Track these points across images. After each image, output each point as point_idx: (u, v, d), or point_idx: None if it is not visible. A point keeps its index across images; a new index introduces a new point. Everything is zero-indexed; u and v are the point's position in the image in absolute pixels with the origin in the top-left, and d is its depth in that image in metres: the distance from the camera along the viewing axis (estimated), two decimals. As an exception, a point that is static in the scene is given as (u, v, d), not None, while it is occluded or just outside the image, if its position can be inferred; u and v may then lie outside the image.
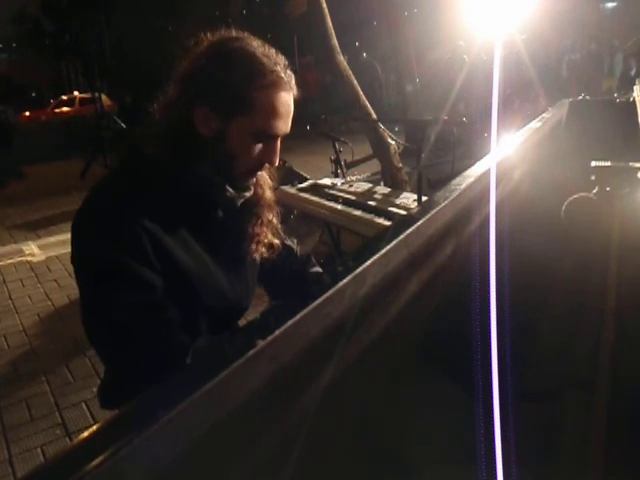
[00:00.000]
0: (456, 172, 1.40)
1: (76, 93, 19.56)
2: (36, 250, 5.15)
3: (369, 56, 12.58)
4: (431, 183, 3.08)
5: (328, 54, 4.74)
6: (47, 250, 5.00)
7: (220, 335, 1.16)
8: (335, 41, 4.71)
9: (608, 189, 1.93)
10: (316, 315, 0.60)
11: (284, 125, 1.06)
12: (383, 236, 0.81)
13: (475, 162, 1.32)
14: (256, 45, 1.04)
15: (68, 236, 1.02)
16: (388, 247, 0.76)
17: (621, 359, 1.23)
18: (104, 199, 1.03)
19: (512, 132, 1.89)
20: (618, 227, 1.79)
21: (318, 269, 1.44)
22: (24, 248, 5.26)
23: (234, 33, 1.07)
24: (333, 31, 4.70)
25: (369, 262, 0.70)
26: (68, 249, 1.01)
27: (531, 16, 6.49)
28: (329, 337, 0.63)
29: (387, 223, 2.50)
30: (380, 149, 4.74)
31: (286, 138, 1.10)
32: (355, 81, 4.77)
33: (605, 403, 1.10)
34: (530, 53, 7.21)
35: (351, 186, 3.20)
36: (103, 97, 9.83)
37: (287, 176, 4.53)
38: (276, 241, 1.25)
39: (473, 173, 1.21)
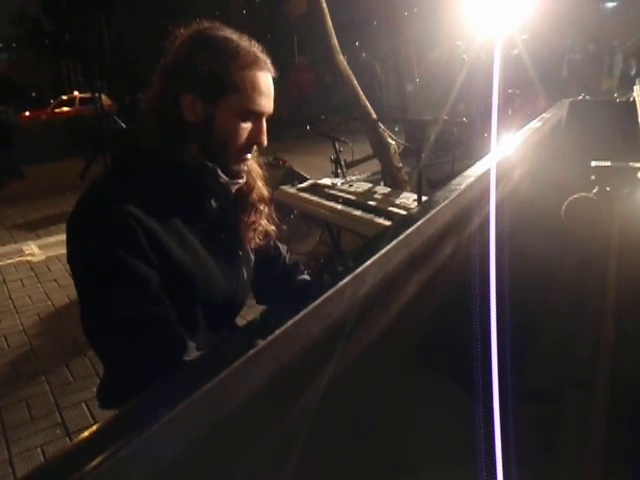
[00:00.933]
0: (456, 172, 1.40)
1: (76, 93, 19.54)
2: (36, 250, 5.15)
3: (369, 56, 12.56)
4: (431, 183, 3.09)
5: (328, 54, 4.73)
6: (47, 250, 5.00)
7: (219, 332, 1.17)
8: (335, 41, 4.71)
9: (608, 189, 1.93)
10: (316, 315, 0.60)
11: (268, 103, 1.09)
12: (383, 236, 0.81)
13: (475, 162, 1.32)
14: (230, 32, 1.09)
15: (67, 236, 1.02)
16: (388, 247, 0.76)
17: (621, 359, 1.23)
18: (97, 197, 1.04)
19: (512, 132, 1.89)
20: (618, 227, 1.79)
21: (306, 277, 1.44)
22: (24, 248, 5.26)
23: (206, 23, 1.11)
24: (333, 31, 4.70)
25: (369, 262, 0.70)
26: (67, 249, 1.01)
27: (531, 16, 6.49)
28: (329, 337, 0.63)
29: (387, 223, 2.50)
30: (380, 149, 4.74)
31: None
32: (355, 81, 4.77)
33: (605, 403, 1.10)
34: (530, 53, 7.22)
35: (351, 186, 3.20)
36: (103, 97, 9.82)
37: (287, 176, 4.53)
38: (271, 227, 1.28)
39: (473, 173, 1.21)
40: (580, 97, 3.35)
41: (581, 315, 1.46)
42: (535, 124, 2.11)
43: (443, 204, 0.98)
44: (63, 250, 1.06)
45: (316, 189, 3.25)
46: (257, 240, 1.23)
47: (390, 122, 7.14)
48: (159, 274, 1.00)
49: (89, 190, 1.06)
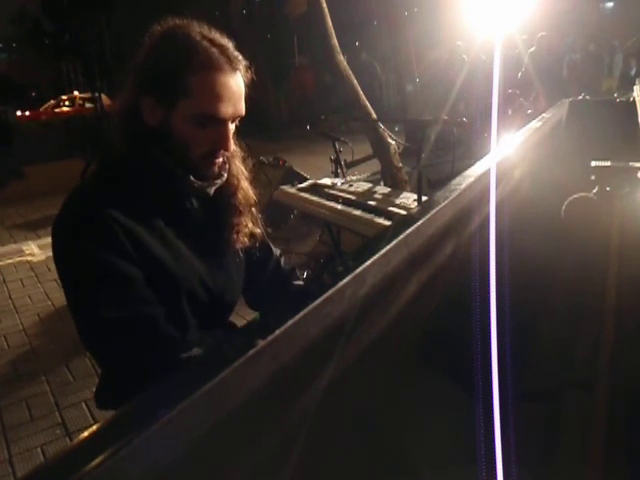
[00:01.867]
0: (456, 172, 1.40)
1: (76, 93, 19.54)
2: (36, 250, 5.15)
3: (369, 56, 12.56)
4: (431, 183, 3.08)
5: (328, 54, 4.73)
6: (47, 250, 5.00)
7: (211, 332, 1.16)
8: (335, 41, 4.71)
9: (608, 189, 1.93)
10: (316, 315, 0.60)
11: (229, 108, 1.02)
12: (383, 236, 0.81)
13: (475, 162, 1.32)
14: (198, 30, 1.04)
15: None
16: (388, 247, 0.76)
17: (621, 359, 1.23)
18: (79, 201, 1.04)
19: (512, 132, 1.89)
20: (618, 227, 1.79)
21: (300, 283, 1.43)
22: (24, 248, 5.26)
23: (179, 21, 1.06)
24: (333, 31, 4.70)
25: (369, 262, 0.70)
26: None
27: (531, 16, 6.49)
28: (329, 337, 0.63)
29: (387, 223, 2.50)
30: (380, 149, 4.74)
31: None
32: (355, 81, 4.77)
33: (605, 403, 1.10)
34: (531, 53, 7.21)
35: (351, 186, 3.19)
36: (103, 97, 9.82)
37: (287, 176, 4.53)
38: (257, 230, 1.25)
39: (473, 173, 1.21)
40: (580, 97, 3.35)
41: (581, 315, 1.46)
42: (535, 124, 2.11)
43: (443, 204, 0.98)
44: (63, 250, 1.06)
45: (316, 189, 3.25)
46: (242, 242, 1.20)
47: (390, 122, 7.14)
48: (144, 273, 1.00)
49: (72, 194, 1.06)
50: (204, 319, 1.14)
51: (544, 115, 2.39)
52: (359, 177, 4.15)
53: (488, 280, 1.03)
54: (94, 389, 1.24)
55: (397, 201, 2.80)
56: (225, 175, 1.14)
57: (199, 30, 1.04)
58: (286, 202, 3.34)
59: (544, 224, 1.82)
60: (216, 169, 1.11)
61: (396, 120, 8.18)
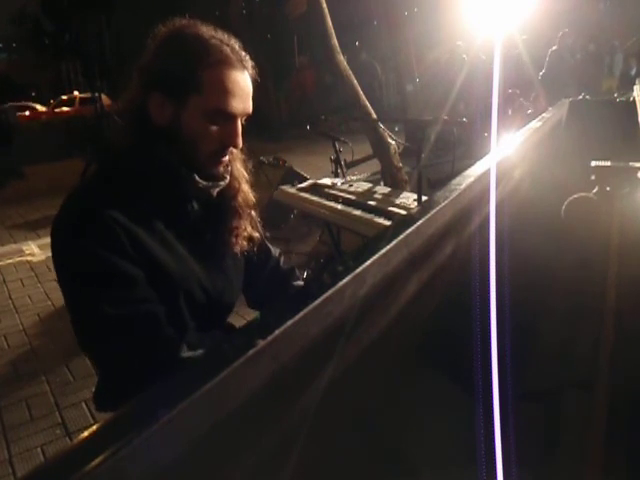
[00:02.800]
0: (456, 172, 1.39)
1: (76, 93, 19.54)
2: (36, 250, 5.15)
3: (369, 56, 12.56)
4: (431, 183, 3.08)
5: (328, 54, 4.73)
6: (47, 250, 4.98)
7: (209, 333, 1.16)
8: (335, 41, 4.71)
9: (608, 189, 1.93)
10: (316, 315, 0.60)
11: (240, 103, 1.04)
12: (383, 236, 0.81)
13: (475, 162, 1.32)
14: (205, 29, 1.05)
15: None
16: (388, 247, 0.76)
17: (621, 359, 1.23)
18: (79, 200, 1.04)
19: (512, 132, 1.89)
20: (618, 227, 1.79)
21: (300, 283, 1.43)
22: (24, 248, 5.26)
23: (184, 21, 1.07)
24: (333, 31, 4.70)
25: (369, 262, 0.70)
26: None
27: (531, 16, 6.49)
28: (329, 337, 0.63)
29: (387, 223, 2.49)
30: (380, 149, 4.74)
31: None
32: (355, 81, 4.77)
33: (605, 403, 1.10)
34: (531, 53, 7.22)
35: (351, 186, 3.19)
36: (103, 97, 9.82)
37: (287, 176, 4.53)
38: (256, 234, 1.25)
39: (473, 173, 1.21)
40: (580, 97, 3.35)
41: (581, 315, 1.46)
42: (535, 124, 2.11)
43: (443, 204, 0.98)
44: (63, 250, 1.06)
45: (316, 189, 3.25)
46: (240, 245, 1.20)
47: (390, 122, 7.14)
48: (143, 273, 1.00)
49: (72, 194, 1.05)
50: (202, 321, 1.14)
51: (544, 115, 2.39)
52: (359, 177, 4.15)
53: (488, 280, 1.03)
54: (94, 389, 1.24)
55: (397, 201, 2.80)
56: (228, 177, 1.15)
57: (206, 29, 1.05)
58: (286, 202, 3.34)
59: (544, 224, 1.82)
60: (221, 169, 1.11)
61: (396, 120, 8.18)
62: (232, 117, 1.05)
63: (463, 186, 1.09)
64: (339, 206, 2.87)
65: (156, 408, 0.43)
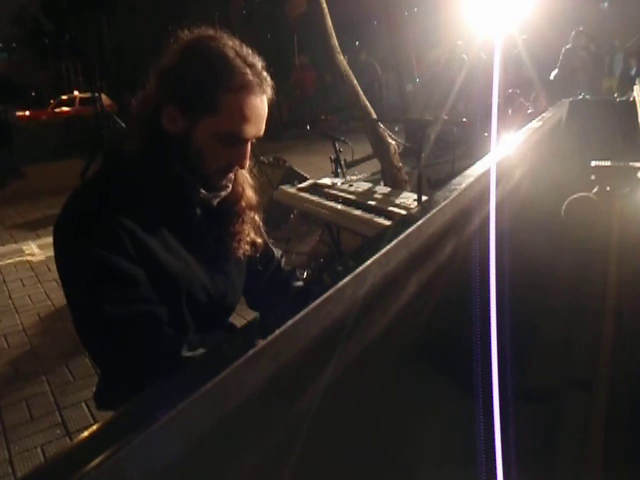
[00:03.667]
0: (456, 172, 1.40)
1: (76, 93, 19.53)
2: (36, 250, 5.15)
3: (369, 56, 12.56)
4: (431, 183, 3.08)
5: (328, 53, 4.73)
6: (47, 250, 5.00)
7: (210, 333, 1.16)
8: (335, 40, 4.71)
9: (608, 189, 1.93)
10: (316, 314, 0.60)
11: (253, 129, 1.04)
12: (383, 236, 0.81)
13: (475, 162, 1.32)
14: (231, 45, 1.02)
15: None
16: (388, 247, 0.76)
17: (621, 359, 1.23)
18: (81, 200, 1.04)
19: (512, 132, 1.89)
20: (618, 227, 1.79)
21: (300, 283, 1.43)
22: (24, 248, 5.26)
23: (211, 32, 1.05)
24: (333, 30, 4.70)
25: (369, 262, 0.70)
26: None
27: (531, 16, 6.49)
28: (329, 337, 0.63)
29: (387, 223, 2.49)
30: (380, 149, 4.74)
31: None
32: (355, 81, 4.77)
33: (604, 403, 1.10)
34: (531, 53, 7.22)
35: (351, 186, 3.19)
36: (103, 97, 9.81)
37: (287, 176, 4.53)
38: (259, 239, 1.25)
39: (473, 173, 1.21)
40: (580, 97, 3.35)
41: (581, 315, 1.46)
42: (535, 124, 2.11)
43: (443, 204, 0.98)
44: (63, 250, 1.06)
45: (316, 189, 3.25)
46: (243, 250, 1.20)
47: (390, 122, 7.14)
48: (145, 275, 1.00)
49: (74, 193, 1.05)
50: (204, 323, 1.14)
51: (544, 115, 2.39)
52: (359, 177, 4.15)
53: (488, 280, 1.03)
54: (94, 389, 1.24)
55: (397, 201, 2.80)
56: (230, 187, 1.15)
57: (232, 45, 1.03)
58: (286, 202, 3.34)
59: (544, 224, 1.82)
60: (225, 182, 1.11)
61: (396, 120, 8.18)
62: (243, 141, 1.05)
63: (463, 186, 1.09)
64: (339, 206, 2.87)
65: (156, 408, 0.43)
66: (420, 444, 0.92)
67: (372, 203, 2.81)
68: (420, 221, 0.88)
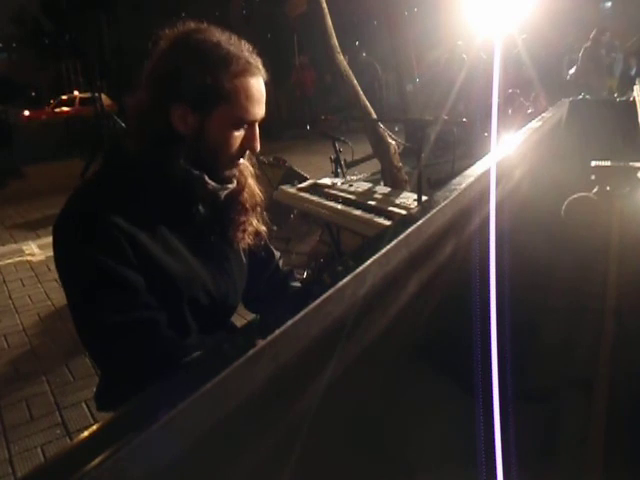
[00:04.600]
0: (456, 172, 1.40)
1: (76, 93, 19.51)
2: (36, 250, 5.15)
3: (369, 56, 12.56)
4: (431, 183, 3.08)
5: (328, 53, 4.73)
6: (47, 250, 5.00)
7: (212, 334, 1.16)
8: (335, 40, 4.71)
9: (608, 189, 1.94)
10: (316, 315, 0.60)
11: (260, 109, 1.07)
12: (383, 236, 0.81)
13: (475, 162, 1.32)
14: (218, 34, 1.05)
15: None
16: (388, 247, 0.76)
17: (621, 359, 1.23)
18: (82, 202, 1.04)
19: (512, 132, 1.89)
20: (618, 227, 1.79)
21: (297, 284, 1.43)
22: (24, 248, 5.26)
23: (193, 25, 1.06)
24: (333, 30, 4.70)
25: (369, 262, 0.70)
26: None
27: (531, 16, 6.49)
28: (329, 337, 0.63)
29: (387, 223, 2.49)
30: (380, 149, 4.74)
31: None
32: (355, 81, 4.77)
33: (604, 403, 1.10)
34: (531, 53, 7.22)
35: (351, 186, 3.19)
36: (103, 97, 9.81)
37: (287, 176, 4.52)
38: (262, 227, 1.26)
39: (473, 173, 1.21)
40: (580, 97, 3.35)
41: (581, 315, 1.46)
42: (535, 124, 2.11)
43: (443, 204, 0.98)
44: (63, 250, 1.06)
45: (316, 189, 3.25)
46: (247, 240, 1.21)
47: (390, 122, 7.14)
48: (145, 279, 1.00)
49: (75, 193, 1.05)
50: (205, 323, 1.14)
51: (544, 115, 2.39)
52: (359, 177, 4.14)
53: (488, 280, 1.03)
54: (94, 389, 1.24)
55: (397, 201, 2.80)
56: (236, 180, 1.15)
57: (219, 34, 1.05)
58: (286, 202, 3.34)
59: (544, 224, 1.82)
60: (236, 171, 1.12)
61: (396, 120, 8.18)
62: (253, 123, 1.08)
63: (463, 186, 1.09)
64: (339, 206, 2.87)
65: (156, 408, 0.43)
66: (420, 444, 0.92)
67: (372, 203, 2.81)
68: (420, 221, 0.88)
